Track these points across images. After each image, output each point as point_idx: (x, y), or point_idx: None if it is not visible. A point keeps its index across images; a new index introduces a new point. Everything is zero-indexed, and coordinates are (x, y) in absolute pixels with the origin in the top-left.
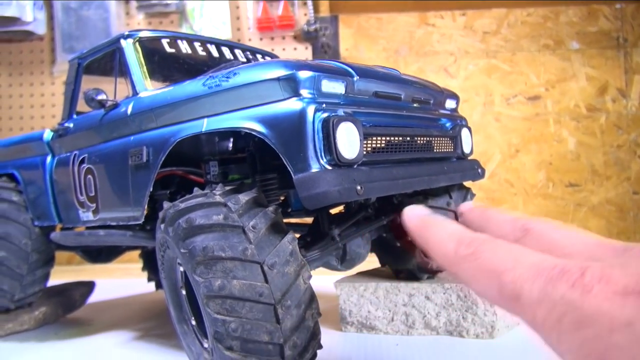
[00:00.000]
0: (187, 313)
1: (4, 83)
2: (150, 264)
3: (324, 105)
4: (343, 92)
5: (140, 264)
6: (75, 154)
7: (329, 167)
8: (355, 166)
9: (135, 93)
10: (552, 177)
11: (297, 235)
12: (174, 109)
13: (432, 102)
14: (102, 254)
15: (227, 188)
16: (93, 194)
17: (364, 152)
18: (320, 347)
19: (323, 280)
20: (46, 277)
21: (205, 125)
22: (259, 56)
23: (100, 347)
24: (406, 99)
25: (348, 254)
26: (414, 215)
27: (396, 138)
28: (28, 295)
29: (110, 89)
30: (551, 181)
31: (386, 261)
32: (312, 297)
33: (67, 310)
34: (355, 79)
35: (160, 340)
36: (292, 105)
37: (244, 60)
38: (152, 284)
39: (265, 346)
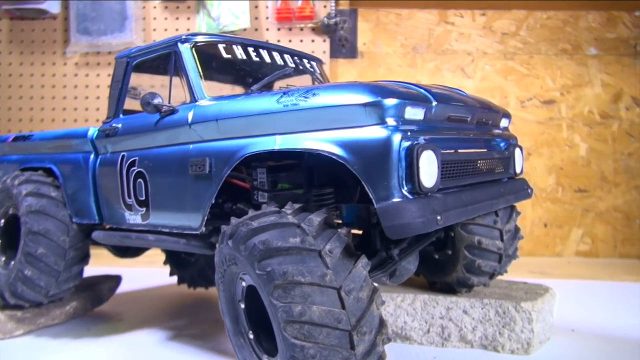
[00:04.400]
0: (245, 327)
1: (15, 61)
2: (173, 259)
3: (408, 134)
4: (422, 118)
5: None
6: (123, 155)
7: (410, 197)
8: (429, 194)
9: (194, 100)
10: (562, 182)
11: None
12: (242, 123)
13: (491, 122)
14: (130, 250)
15: (296, 206)
16: (143, 198)
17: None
18: None
19: None
20: (80, 273)
21: (279, 142)
22: (305, 60)
23: (138, 345)
24: (472, 121)
25: (398, 270)
26: None
27: (464, 163)
28: (62, 291)
29: (150, 84)
30: (561, 186)
31: (422, 272)
32: (382, 322)
33: (96, 304)
34: (433, 104)
35: (198, 342)
36: (378, 132)
37: (292, 65)
38: (175, 278)
39: None
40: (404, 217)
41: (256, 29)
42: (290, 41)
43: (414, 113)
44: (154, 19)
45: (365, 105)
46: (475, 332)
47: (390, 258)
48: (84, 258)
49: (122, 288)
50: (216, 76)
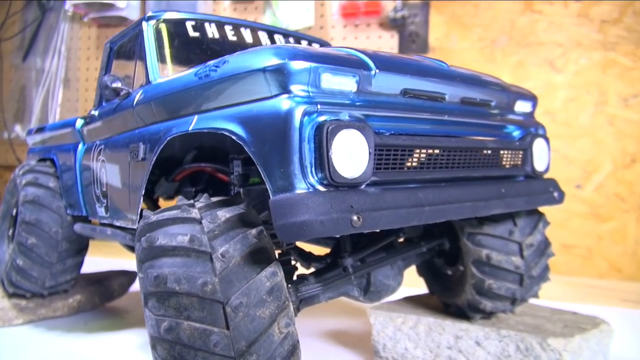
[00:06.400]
0: None
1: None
2: None
3: (318, 107)
4: (354, 89)
5: None
6: (96, 144)
7: (322, 188)
8: (363, 187)
9: (147, 82)
10: None
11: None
12: (170, 102)
13: (493, 104)
14: None
15: (214, 200)
16: (105, 189)
17: (377, 169)
18: None
19: None
20: (78, 266)
21: (194, 123)
22: (303, 43)
23: (122, 346)
24: (452, 99)
25: (372, 285)
26: None
27: (429, 150)
28: (59, 284)
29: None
30: None
31: (434, 290)
32: (292, 350)
33: (105, 300)
34: (373, 72)
35: None
36: (278, 104)
37: None
38: None
39: None
40: (298, 213)
41: (321, 27)
42: (356, 38)
43: (339, 82)
44: None
45: (264, 70)
46: None
47: (344, 270)
48: (81, 251)
49: None
50: (189, 58)
